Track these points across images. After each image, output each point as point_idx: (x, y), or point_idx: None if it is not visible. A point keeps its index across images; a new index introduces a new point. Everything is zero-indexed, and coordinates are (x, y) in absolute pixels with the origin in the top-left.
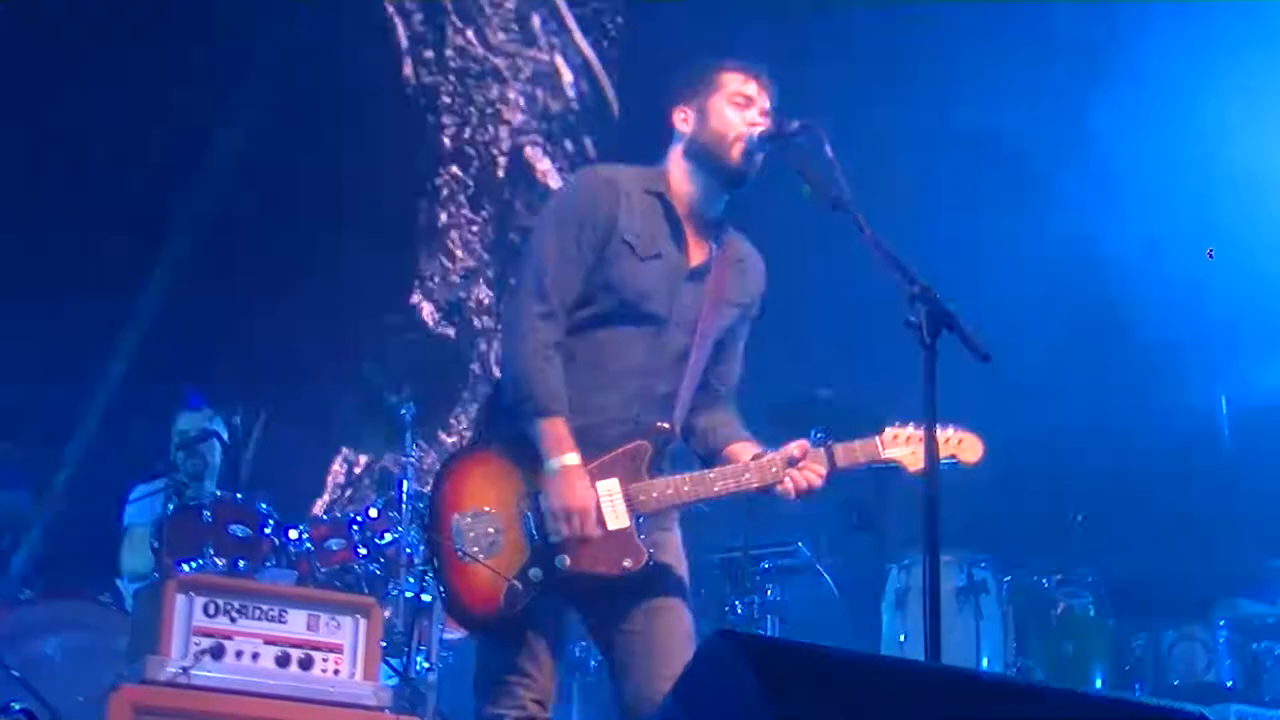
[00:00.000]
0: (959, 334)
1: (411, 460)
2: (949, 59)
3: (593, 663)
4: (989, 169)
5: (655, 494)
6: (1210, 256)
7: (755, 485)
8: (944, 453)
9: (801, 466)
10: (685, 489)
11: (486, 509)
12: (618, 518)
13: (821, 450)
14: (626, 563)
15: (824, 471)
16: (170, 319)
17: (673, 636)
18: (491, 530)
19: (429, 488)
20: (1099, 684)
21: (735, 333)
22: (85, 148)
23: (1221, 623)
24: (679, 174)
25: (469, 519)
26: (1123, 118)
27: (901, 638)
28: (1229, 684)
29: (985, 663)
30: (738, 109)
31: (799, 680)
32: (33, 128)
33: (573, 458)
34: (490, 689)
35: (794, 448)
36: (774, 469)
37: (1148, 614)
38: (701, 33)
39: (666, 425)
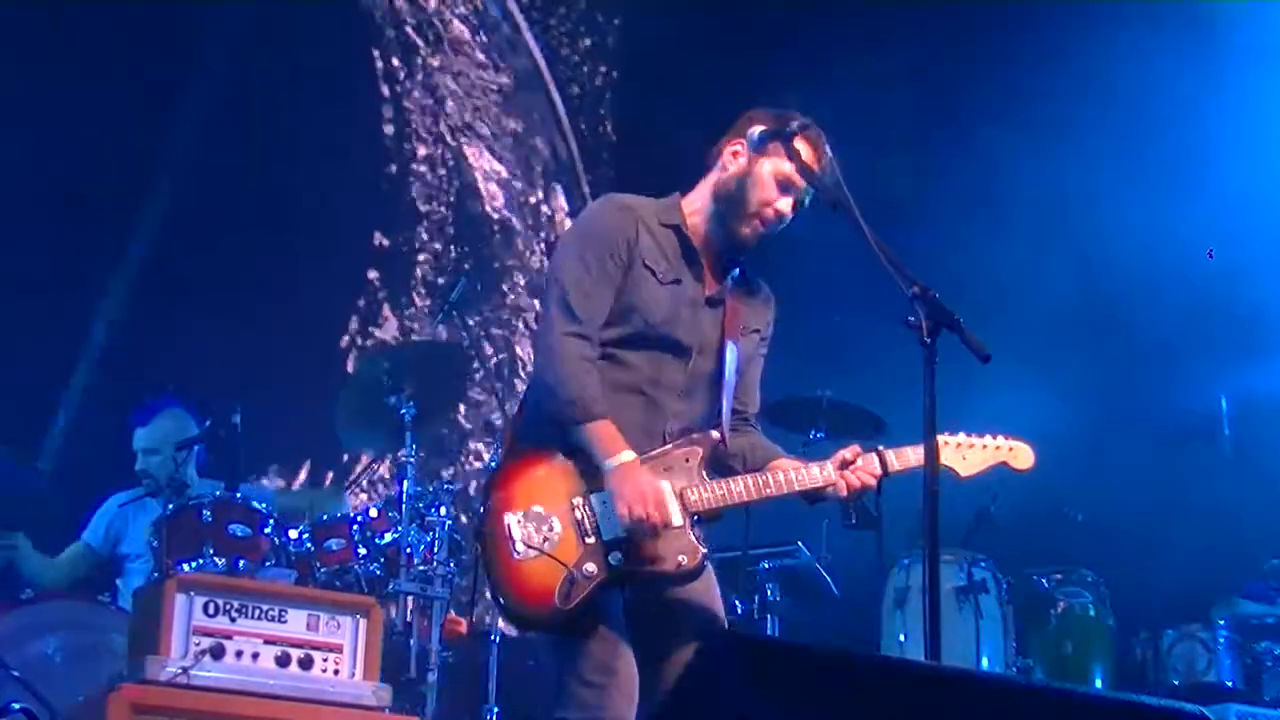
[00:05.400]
0: (959, 335)
1: (411, 460)
2: None
3: None
4: None
5: (708, 495)
6: (1210, 256)
7: (809, 487)
8: (996, 459)
9: (854, 468)
10: (737, 490)
11: (540, 509)
12: (672, 516)
13: (873, 454)
14: (682, 559)
15: (877, 472)
16: (143, 319)
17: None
18: (546, 529)
19: (481, 494)
20: (1099, 684)
21: (754, 359)
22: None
23: (1221, 623)
24: (701, 205)
25: (521, 518)
26: (1104, 118)
27: (901, 638)
28: (1229, 684)
29: (985, 663)
30: (779, 188)
31: (799, 680)
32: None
33: (629, 454)
34: (576, 691)
35: (846, 452)
36: (826, 472)
37: (1148, 614)
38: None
39: (717, 435)
